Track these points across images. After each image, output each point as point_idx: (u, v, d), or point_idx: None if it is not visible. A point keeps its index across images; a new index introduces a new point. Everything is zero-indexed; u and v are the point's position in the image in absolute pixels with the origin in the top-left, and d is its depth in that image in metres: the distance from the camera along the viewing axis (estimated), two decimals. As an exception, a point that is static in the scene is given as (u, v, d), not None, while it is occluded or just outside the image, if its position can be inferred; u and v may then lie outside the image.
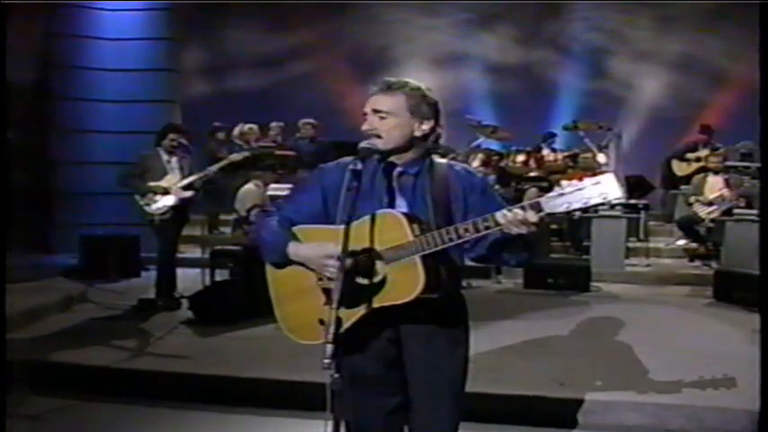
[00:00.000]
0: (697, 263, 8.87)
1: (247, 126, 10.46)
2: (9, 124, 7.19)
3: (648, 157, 11.35)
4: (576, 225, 9.01)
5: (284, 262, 2.41)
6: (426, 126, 2.41)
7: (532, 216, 2.11)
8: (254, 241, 2.52)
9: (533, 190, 2.14)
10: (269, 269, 2.49)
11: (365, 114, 2.38)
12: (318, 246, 2.31)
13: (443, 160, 2.49)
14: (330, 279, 2.28)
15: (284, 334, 2.48)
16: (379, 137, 2.34)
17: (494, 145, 11.20)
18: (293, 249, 2.38)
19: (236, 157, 7.44)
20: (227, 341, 5.55)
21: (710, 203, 8.72)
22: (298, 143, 10.78)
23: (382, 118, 2.35)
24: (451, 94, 12.60)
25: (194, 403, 4.48)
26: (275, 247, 2.41)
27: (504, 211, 2.14)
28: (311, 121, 10.91)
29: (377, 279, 2.25)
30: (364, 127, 2.36)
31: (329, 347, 2.02)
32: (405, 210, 2.34)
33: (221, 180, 7.78)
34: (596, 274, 7.90)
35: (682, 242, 9.43)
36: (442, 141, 9.55)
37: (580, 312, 6.64)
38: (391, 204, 2.37)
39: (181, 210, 6.65)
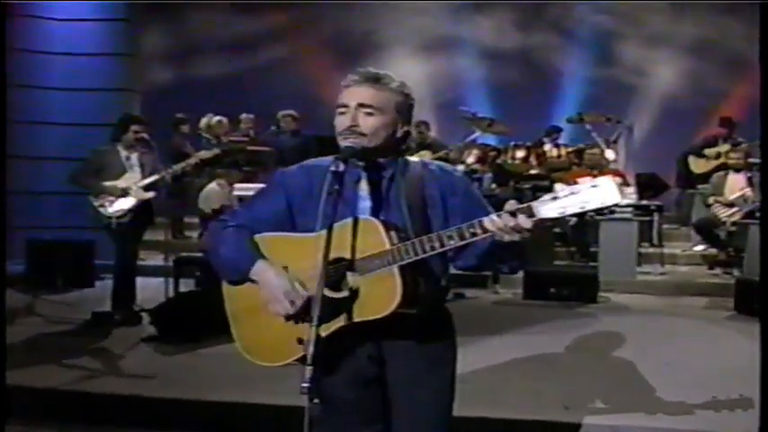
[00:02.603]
0: (717, 270, 8.97)
1: (215, 118, 10.46)
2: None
3: (662, 152, 11.43)
4: (582, 229, 9.07)
5: (242, 281, 2.41)
6: (406, 128, 2.42)
7: (525, 222, 2.13)
8: (210, 257, 2.50)
9: (512, 202, 2.22)
10: (225, 283, 2.50)
11: (344, 107, 2.34)
12: (287, 283, 2.29)
13: (416, 159, 2.50)
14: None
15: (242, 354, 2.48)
16: (362, 135, 2.31)
17: (490, 140, 11.26)
18: (260, 273, 2.36)
19: (205, 154, 7.44)
20: (194, 360, 5.55)
21: (731, 204, 8.80)
22: (279, 137, 10.81)
23: (369, 114, 2.32)
24: (443, 83, 12.66)
25: (157, 431, 4.46)
26: (235, 266, 2.41)
27: (493, 217, 2.16)
28: (292, 112, 10.94)
29: (347, 292, 2.26)
30: (347, 122, 2.32)
31: (308, 370, 2.02)
32: (380, 217, 2.33)
33: (187, 179, 7.78)
34: (604, 283, 7.98)
35: (700, 247, 9.52)
36: (432, 134, 9.57)
37: (586, 326, 6.69)
38: (373, 212, 2.36)
39: (141, 212, 6.64)
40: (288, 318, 2.30)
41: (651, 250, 9.32)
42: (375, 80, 2.34)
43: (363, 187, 2.39)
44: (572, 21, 13.44)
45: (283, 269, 2.35)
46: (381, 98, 2.34)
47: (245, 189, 7.65)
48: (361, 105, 2.32)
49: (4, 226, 6.31)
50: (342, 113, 2.34)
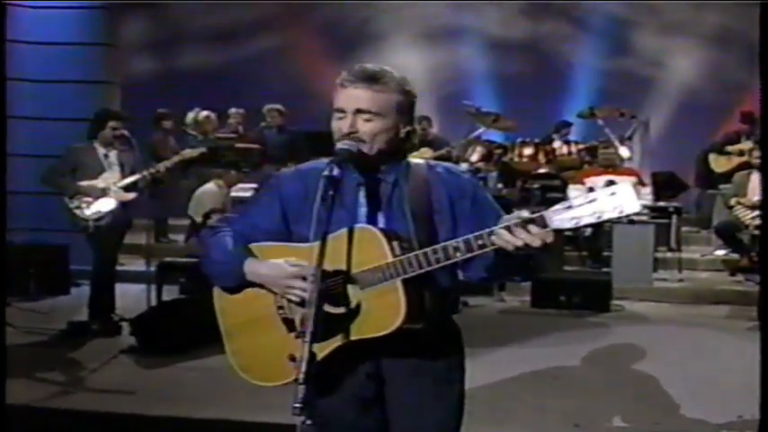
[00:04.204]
0: (739, 277, 8.98)
1: (203, 113, 10.45)
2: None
3: (680, 150, 11.45)
4: (595, 232, 9.07)
5: (239, 285, 2.41)
6: (409, 127, 2.39)
7: (537, 234, 2.12)
8: (202, 263, 2.52)
9: (523, 212, 2.23)
10: (217, 296, 2.49)
11: (342, 112, 2.31)
12: (283, 264, 2.31)
13: (421, 161, 2.48)
14: (296, 304, 2.30)
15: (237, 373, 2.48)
16: (362, 141, 2.29)
17: (496, 136, 11.26)
18: (250, 268, 2.37)
19: (190, 152, 7.42)
20: (178, 374, 5.55)
21: (755, 206, 8.79)
22: (264, 133, 10.81)
23: (368, 120, 2.30)
24: (445, 75, 12.67)
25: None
26: (229, 268, 2.40)
27: (503, 229, 2.15)
28: (278, 107, 10.97)
29: (349, 307, 2.26)
30: (345, 128, 2.29)
31: (300, 389, 2.01)
32: (382, 225, 2.33)
33: (170, 179, 7.76)
34: (618, 290, 7.99)
35: (720, 252, 9.53)
36: (434, 131, 9.61)
37: (599, 337, 6.71)
38: (370, 220, 2.35)
39: (121, 214, 6.63)
40: (301, 303, 2.27)
41: (668, 255, 9.33)
42: (373, 80, 2.30)
43: (364, 193, 2.38)
44: (584, 9, 13.41)
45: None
46: (381, 101, 2.30)
47: (242, 190, 7.66)
48: (360, 111, 2.29)
49: (4, 227, 6.30)
50: (340, 118, 2.32)
